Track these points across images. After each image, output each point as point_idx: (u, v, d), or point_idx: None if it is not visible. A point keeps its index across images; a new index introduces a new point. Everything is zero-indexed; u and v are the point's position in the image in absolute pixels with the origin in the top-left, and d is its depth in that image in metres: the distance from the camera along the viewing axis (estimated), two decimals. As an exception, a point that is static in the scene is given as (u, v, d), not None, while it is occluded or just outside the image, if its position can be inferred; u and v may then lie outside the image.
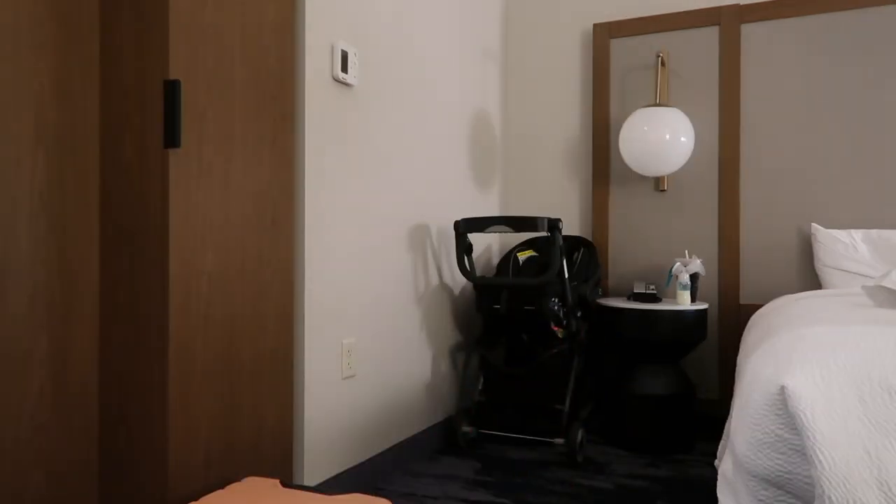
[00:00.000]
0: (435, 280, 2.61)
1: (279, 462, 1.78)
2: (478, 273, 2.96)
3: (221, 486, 1.57)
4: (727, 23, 2.84)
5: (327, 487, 1.87)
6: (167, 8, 1.42)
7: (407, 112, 2.39)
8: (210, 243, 1.54)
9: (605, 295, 3.05)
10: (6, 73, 1.31)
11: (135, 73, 1.46)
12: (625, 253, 3.03)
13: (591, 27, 3.13)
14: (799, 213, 2.75)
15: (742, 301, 2.82)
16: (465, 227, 2.50)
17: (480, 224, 2.46)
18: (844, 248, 2.54)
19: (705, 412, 2.84)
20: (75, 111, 1.45)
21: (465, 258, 2.57)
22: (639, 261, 3.01)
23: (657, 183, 2.97)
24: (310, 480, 1.88)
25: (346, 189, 2.03)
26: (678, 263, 2.63)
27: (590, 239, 3.10)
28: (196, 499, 1.48)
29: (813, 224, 2.67)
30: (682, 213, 2.93)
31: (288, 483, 1.51)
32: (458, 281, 2.82)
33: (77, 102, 1.45)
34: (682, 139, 2.68)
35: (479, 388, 2.63)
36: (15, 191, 1.33)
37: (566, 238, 2.93)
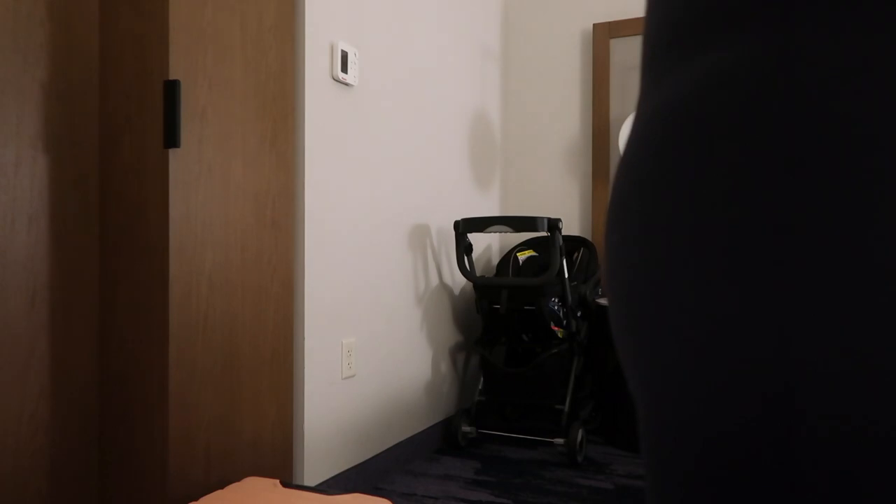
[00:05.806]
0: (435, 280, 2.61)
1: (279, 462, 1.78)
2: (478, 273, 2.96)
3: (221, 486, 1.57)
4: (727, 23, 2.84)
5: (327, 487, 1.87)
6: (167, 8, 1.42)
7: (407, 112, 2.39)
8: (210, 243, 1.54)
9: (605, 295, 3.05)
10: (6, 72, 1.31)
11: (135, 73, 1.46)
12: (625, 253, 3.02)
13: (591, 27, 3.13)
14: (799, 213, 2.74)
15: (742, 301, 2.82)
16: (465, 227, 2.50)
17: (480, 224, 2.46)
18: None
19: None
20: (75, 111, 1.45)
21: (465, 258, 2.57)
22: (639, 261, 3.00)
23: (657, 183, 2.97)
24: (310, 480, 1.88)
25: (346, 189, 2.03)
26: (678, 263, 2.63)
27: (590, 239, 3.10)
28: (196, 499, 1.49)
29: (813, 224, 2.67)
30: (682, 213, 2.92)
31: (288, 483, 1.51)
32: (458, 281, 2.82)
33: (77, 102, 1.45)
34: (682, 139, 2.67)
35: (479, 388, 2.63)
36: (15, 191, 1.33)
37: (566, 238, 2.93)
